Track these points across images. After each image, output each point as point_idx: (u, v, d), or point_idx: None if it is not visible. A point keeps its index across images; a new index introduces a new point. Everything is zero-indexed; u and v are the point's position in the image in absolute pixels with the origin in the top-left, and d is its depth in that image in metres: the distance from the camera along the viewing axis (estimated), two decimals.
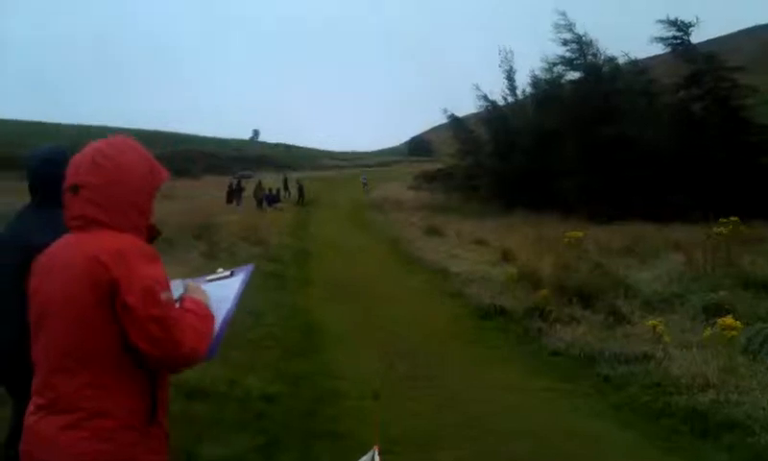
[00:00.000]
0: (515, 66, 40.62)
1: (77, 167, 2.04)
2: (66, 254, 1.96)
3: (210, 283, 2.40)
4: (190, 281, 2.28)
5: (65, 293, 1.90)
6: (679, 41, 31.61)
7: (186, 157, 69.87)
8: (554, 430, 5.59)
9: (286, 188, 43.32)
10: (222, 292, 2.35)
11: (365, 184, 49.14)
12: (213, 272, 2.54)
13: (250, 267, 2.58)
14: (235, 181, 39.03)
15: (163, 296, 1.92)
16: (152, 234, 2.17)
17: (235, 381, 6.11)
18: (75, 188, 2.00)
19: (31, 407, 1.94)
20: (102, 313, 1.86)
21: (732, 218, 11.44)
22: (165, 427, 2.05)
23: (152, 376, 1.97)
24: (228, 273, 2.50)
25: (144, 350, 1.88)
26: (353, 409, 5.85)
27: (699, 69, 30.74)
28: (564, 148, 31.61)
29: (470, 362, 7.93)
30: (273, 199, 36.32)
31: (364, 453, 2.95)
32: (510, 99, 41.69)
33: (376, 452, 2.77)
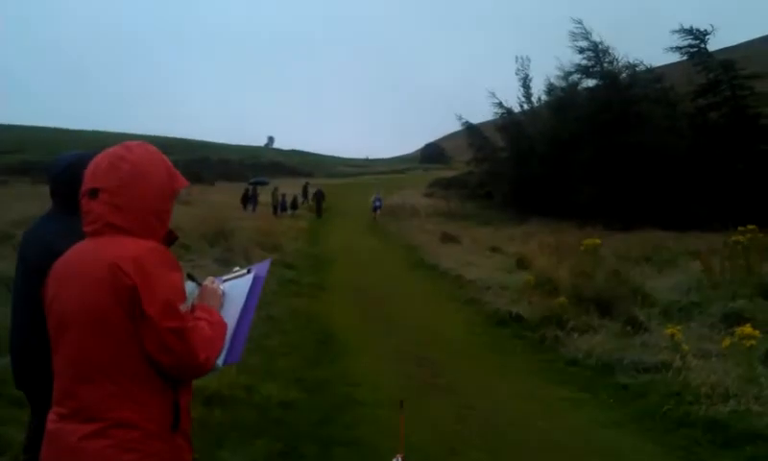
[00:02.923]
0: (532, 73, 40.60)
1: (94, 171, 2.02)
2: (85, 261, 1.94)
3: (227, 282, 2.37)
4: (207, 282, 2.26)
5: (86, 301, 1.88)
6: (695, 49, 31.46)
7: (201, 163, 70.24)
8: (573, 441, 5.56)
9: (305, 195, 42.82)
10: (239, 291, 2.33)
11: (377, 208, 35.92)
12: (230, 271, 2.50)
13: (268, 261, 2.54)
14: (251, 188, 39.21)
15: (182, 307, 1.92)
16: (169, 239, 2.16)
17: (253, 388, 6.11)
18: (93, 192, 1.98)
19: (52, 416, 1.92)
20: (124, 321, 1.85)
21: (750, 226, 11.32)
22: (188, 435, 2.04)
23: (174, 383, 1.96)
24: (245, 271, 2.46)
25: (159, 359, 1.87)
26: (371, 417, 5.85)
27: (716, 77, 30.57)
28: (581, 155, 31.50)
29: (487, 370, 7.90)
30: (290, 206, 36.45)
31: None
32: (525, 106, 41.68)
33: (400, 460, 2.77)
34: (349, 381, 7.00)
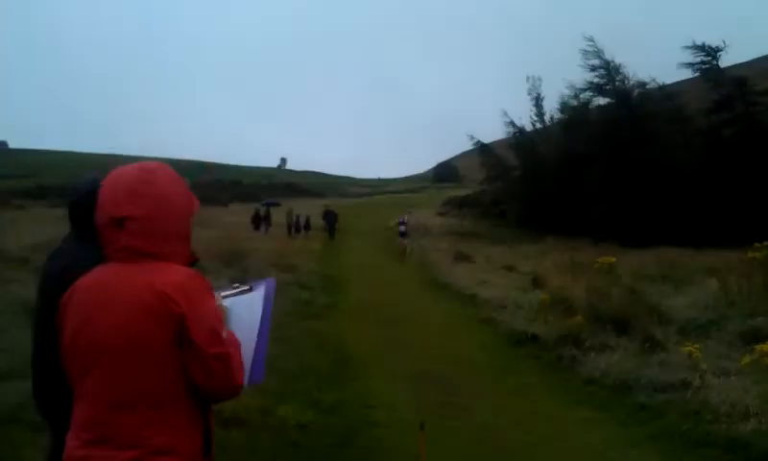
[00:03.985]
0: (544, 92, 40.73)
1: (114, 198, 1.99)
2: (124, 287, 1.91)
3: (228, 299, 2.34)
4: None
5: (129, 327, 1.86)
6: (707, 66, 31.44)
7: (215, 185, 70.67)
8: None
9: (326, 218, 40.92)
10: (245, 308, 2.31)
11: (404, 233, 29.18)
12: (229, 287, 2.48)
13: (271, 281, 2.50)
14: (263, 209, 39.33)
15: (224, 333, 1.93)
16: (191, 260, 2.16)
17: (269, 410, 6.11)
18: (120, 222, 1.95)
19: (75, 442, 1.89)
20: (168, 349, 1.86)
21: (767, 243, 11.23)
22: (213, 459, 2.06)
23: (205, 408, 1.99)
24: (246, 287, 2.44)
25: (203, 385, 1.89)
26: (387, 438, 5.85)
27: (729, 94, 30.52)
28: (594, 173, 31.45)
29: (504, 391, 7.85)
30: (304, 226, 36.47)
31: None
32: (538, 125, 41.76)
33: None
34: (365, 403, 6.98)
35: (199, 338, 1.85)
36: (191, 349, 1.86)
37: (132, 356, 1.86)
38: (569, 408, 6.98)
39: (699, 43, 31.59)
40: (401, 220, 30.56)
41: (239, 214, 40.99)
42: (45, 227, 18.94)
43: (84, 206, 2.93)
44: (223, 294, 2.38)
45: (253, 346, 2.22)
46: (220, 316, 1.98)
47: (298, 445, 5.54)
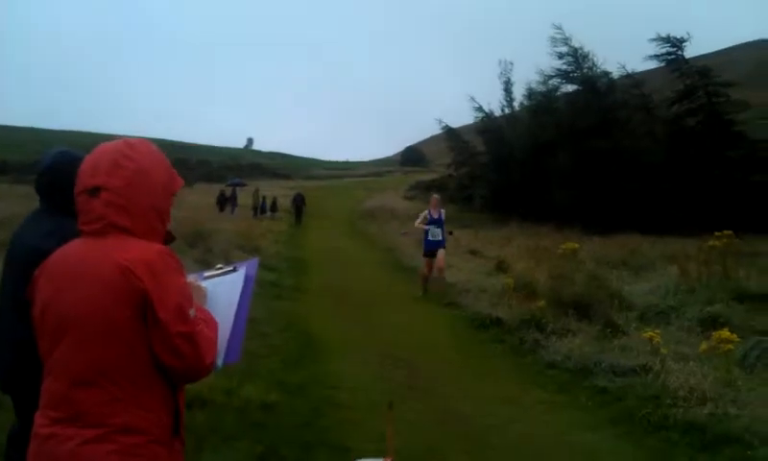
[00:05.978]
0: (513, 78, 40.85)
1: (94, 169, 1.96)
2: (91, 262, 1.89)
3: (210, 280, 2.34)
4: (190, 280, 2.22)
5: (93, 303, 1.84)
6: (672, 57, 31.89)
7: (181, 164, 69.76)
8: (551, 444, 5.60)
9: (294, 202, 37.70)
10: (226, 289, 2.30)
11: (438, 243, 13.29)
12: (212, 268, 2.47)
13: (255, 261, 2.50)
14: (229, 190, 39.00)
15: (191, 312, 1.90)
16: (167, 239, 2.13)
17: (233, 390, 6.07)
18: (94, 191, 1.93)
19: (42, 419, 1.87)
20: (133, 325, 1.83)
21: (726, 232, 11.48)
22: (183, 438, 2.04)
23: (174, 387, 1.95)
24: (230, 268, 2.44)
25: (169, 363, 1.86)
26: (352, 419, 5.86)
27: (693, 84, 31.01)
28: (560, 160, 31.77)
29: (467, 373, 7.93)
30: (269, 208, 36.23)
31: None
32: (507, 111, 41.96)
33: None
34: (330, 384, 6.98)
35: (164, 316, 1.82)
36: (157, 326, 1.83)
37: (96, 332, 1.83)
38: (531, 391, 7.07)
39: (665, 34, 31.98)
40: (432, 216, 13.50)
41: (205, 194, 40.52)
42: (8, 202, 18.59)
43: (47, 178, 2.88)
44: (205, 274, 2.40)
45: (231, 325, 2.20)
46: (189, 294, 1.94)
47: (262, 425, 5.52)
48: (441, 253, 13.18)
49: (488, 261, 17.51)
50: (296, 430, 5.53)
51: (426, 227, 13.38)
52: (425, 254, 13.45)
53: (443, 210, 13.71)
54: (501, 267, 15.48)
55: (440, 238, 13.20)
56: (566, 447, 5.54)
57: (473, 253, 20.03)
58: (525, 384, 7.33)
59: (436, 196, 14.09)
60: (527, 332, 9.15)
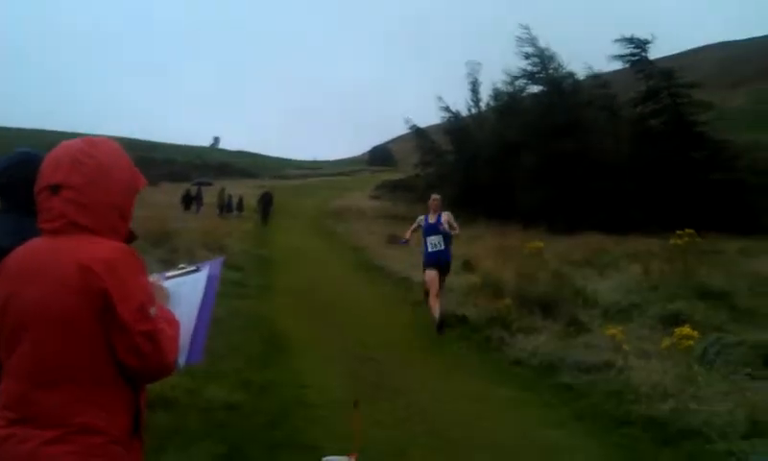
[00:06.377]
0: (481, 78, 41.03)
1: (55, 166, 1.94)
2: (50, 261, 1.87)
3: (172, 280, 2.32)
4: (151, 279, 2.19)
5: (52, 302, 1.81)
6: (637, 58, 32.39)
7: (146, 163, 68.93)
8: (516, 440, 5.65)
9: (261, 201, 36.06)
10: (189, 289, 2.29)
11: (441, 255, 10.32)
12: (174, 268, 2.45)
13: (219, 260, 2.49)
14: (194, 188, 38.64)
15: (152, 311, 1.88)
16: (129, 238, 2.10)
17: (196, 391, 6.01)
18: (55, 188, 1.91)
19: (0, 421, 1.83)
20: (92, 325, 1.80)
21: (688, 230, 11.68)
22: (143, 439, 2.01)
23: (135, 387, 1.93)
24: (192, 268, 2.42)
25: (131, 364, 1.84)
26: (318, 418, 5.84)
27: (656, 85, 31.53)
28: (526, 160, 32.04)
29: (434, 371, 7.95)
30: (235, 207, 35.96)
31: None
32: (474, 111, 42.17)
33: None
34: (297, 383, 6.95)
35: (125, 315, 1.79)
36: (117, 326, 1.80)
37: (56, 332, 1.80)
38: (496, 388, 7.12)
39: (629, 35, 32.45)
40: (429, 221, 10.66)
41: (170, 193, 40.07)
42: None
43: (8, 178, 2.83)
44: (168, 275, 2.37)
45: (193, 325, 2.18)
46: (150, 294, 1.92)
47: (226, 425, 5.47)
48: (448, 275, 10.71)
49: (455, 260, 17.56)
50: (261, 430, 5.49)
51: (434, 238, 10.33)
52: (427, 266, 10.36)
53: (444, 214, 10.55)
54: (468, 266, 15.55)
55: (442, 247, 10.27)
56: (531, 443, 5.58)
57: None
58: (491, 382, 7.38)
59: (435, 196, 11.05)
60: (493, 330, 9.22)
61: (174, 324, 2.01)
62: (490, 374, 7.74)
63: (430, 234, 10.35)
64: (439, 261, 10.21)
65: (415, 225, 11.03)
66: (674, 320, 8.85)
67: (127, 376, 1.87)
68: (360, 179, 72.57)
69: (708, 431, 5.33)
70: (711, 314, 9.34)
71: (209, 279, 2.36)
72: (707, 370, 7.03)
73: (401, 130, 51.94)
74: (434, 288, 9.97)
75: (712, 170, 28.26)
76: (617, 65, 34.36)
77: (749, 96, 55.88)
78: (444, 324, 9.60)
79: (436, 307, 9.74)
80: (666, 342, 7.20)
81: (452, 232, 10.42)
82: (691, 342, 6.87)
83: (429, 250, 10.34)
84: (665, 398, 6.13)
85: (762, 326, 9.06)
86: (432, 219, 10.52)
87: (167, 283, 2.27)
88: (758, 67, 65.76)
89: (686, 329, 6.95)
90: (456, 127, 41.89)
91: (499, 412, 6.38)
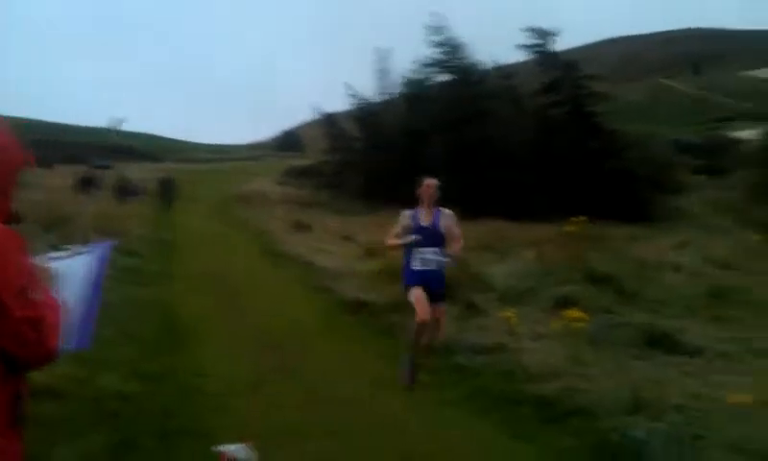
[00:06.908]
0: (390, 66, 41.01)
1: None
2: None
3: (58, 262, 2.23)
4: (35, 261, 2.09)
5: None
6: (541, 49, 33.28)
7: (40, 144, 65.75)
8: (411, 419, 5.81)
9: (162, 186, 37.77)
10: (75, 272, 2.22)
11: (435, 278, 6.79)
12: (59, 250, 2.36)
13: (108, 243, 2.43)
14: (92, 171, 37.15)
15: (35, 295, 1.80)
16: (12, 220, 1.98)
17: (86, 380, 5.84)
18: None
19: None
20: None
21: (581, 217, 12.18)
22: (23, 429, 1.92)
23: (14, 375, 1.83)
24: (80, 249, 2.35)
25: (11, 350, 1.75)
26: (215, 406, 5.81)
27: (559, 76, 32.52)
28: (432, 148, 32.42)
29: (335, 355, 8.02)
30: (135, 191, 34.77)
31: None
32: (383, 98, 42.25)
33: (249, 447, 2.75)
34: (195, 371, 6.86)
35: (4, 299, 1.70)
36: None
37: None
38: (395, 371, 7.22)
39: (535, 26, 33.30)
40: (420, 223, 7.08)
41: (65, 176, 38.32)
42: None
43: None
44: (53, 255, 2.28)
45: (81, 310, 2.10)
46: (33, 277, 1.83)
47: (118, 415, 5.35)
48: (442, 306, 6.93)
49: (359, 247, 17.66)
50: (156, 420, 5.39)
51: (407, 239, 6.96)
52: (410, 285, 6.85)
53: (444, 213, 7.25)
54: (372, 252, 15.65)
55: (434, 267, 6.78)
56: (424, 421, 5.76)
57: (345, 238, 20.15)
58: (388, 363, 7.47)
59: (430, 181, 7.53)
60: (393, 315, 9.34)
61: (57, 308, 1.92)
62: (388, 356, 7.82)
63: (422, 244, 6.79)
64: (429, 284, 6.66)
65: (398, 227, 7.28)
66: (565, 303, 9.24)
67: (6, 362, 1.78)
68: (267, 164, 71.64)
69: (595, 409, 5.60)
70: (600, 297, 9.81)
71: (98, 261, 2.29)
72: (595, 350, 7.38)
73: (311, 115, 51.49)
74: (424, 310, 6.45)
75: (606, 159, 29.48)
76: (524, 56, 35.23)
77: (647, 89, 58.63)
78: (416, 371, 6.68)
79: (422, 340, 6.61)
80: (557, 324, 7.51)
81: (450, 253, 6.89)
82: (581, 324, 7.20)
83: (416, 267, 6.80)
84: (555, 377, 6.40)
85: (646, 308, 9.60)
86: (426, 219, 7.08)
87: (52, 265, 2.18)
88: (657, 61, 69.04)
89: (575, 312, 7.28)
90: (364, 114, 41.93)
91: (396, 393, 6.50)
